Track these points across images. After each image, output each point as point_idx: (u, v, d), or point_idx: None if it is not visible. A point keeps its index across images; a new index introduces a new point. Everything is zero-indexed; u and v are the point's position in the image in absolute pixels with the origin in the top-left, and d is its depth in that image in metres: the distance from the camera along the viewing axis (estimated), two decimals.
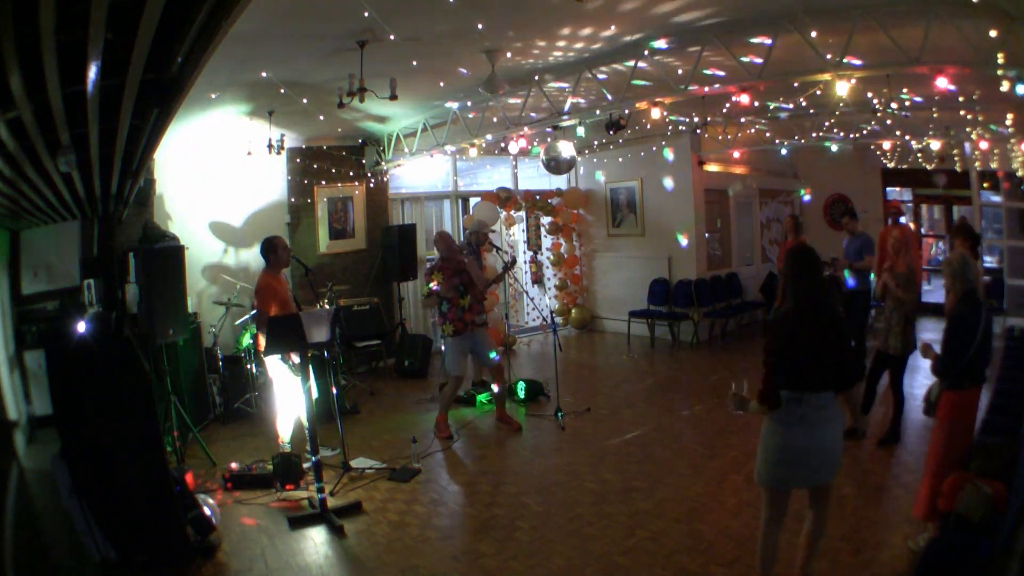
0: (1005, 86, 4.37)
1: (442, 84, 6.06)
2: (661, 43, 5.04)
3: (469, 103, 6.72)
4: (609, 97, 5.75)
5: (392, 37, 4.29)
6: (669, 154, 9.54)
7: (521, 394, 6.78)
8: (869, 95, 6.38)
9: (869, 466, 4.75)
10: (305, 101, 5.81)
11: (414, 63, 5.11)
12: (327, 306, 6.72)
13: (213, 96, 5.49)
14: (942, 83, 4.29)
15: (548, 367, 7.50)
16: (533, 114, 6.64)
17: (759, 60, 4.92)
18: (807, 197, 11.44)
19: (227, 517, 4.34)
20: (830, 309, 2.99)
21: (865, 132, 8.56)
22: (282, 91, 5.50)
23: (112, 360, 3.65)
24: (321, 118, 6.79)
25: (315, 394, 4.68)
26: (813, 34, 4.44)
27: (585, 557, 3.69)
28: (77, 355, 3.57)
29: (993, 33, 4.13)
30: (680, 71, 5.53)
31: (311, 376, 4.56)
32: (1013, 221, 9.32)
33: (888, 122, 7.92)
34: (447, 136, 7.33)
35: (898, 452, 5.00)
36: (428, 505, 4.53)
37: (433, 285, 5.75)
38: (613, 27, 4.81)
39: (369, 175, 8.81)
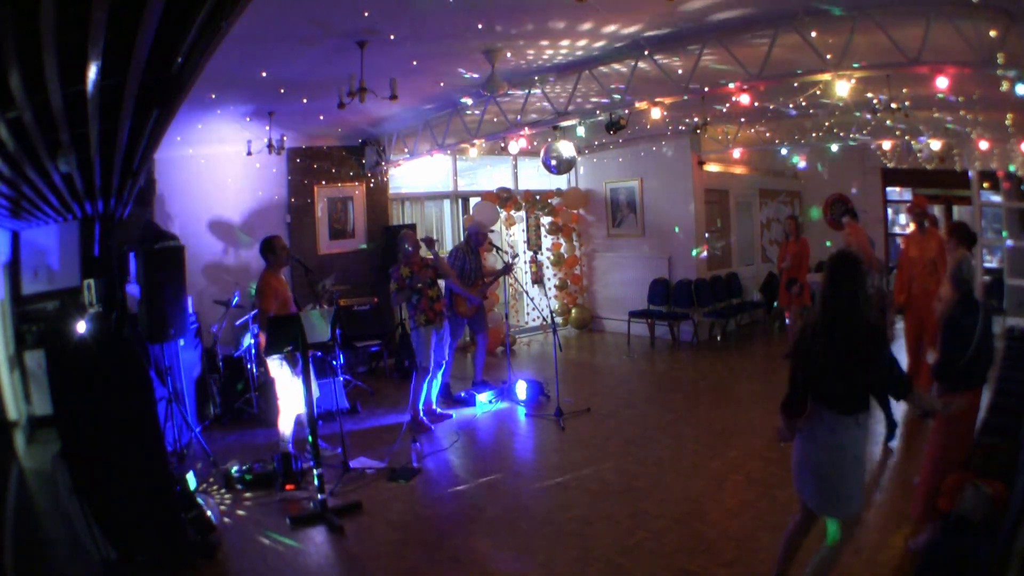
0: (1005, 86, 4.37)
1: (442, 84, 6.05)
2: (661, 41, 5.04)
3: (469, 103, 6.71)
4: (610, 96, 5.75)
5: (392, 37, 4.29)
6: (669, 154, 9.54)
7: (521, 394, 6.78)
8: (869, 95, 6.37)
9: (867, 467, 4.75)
10: (305, 101, 5.80)
11: (414, 63, 5.10)
12: (327, 307, 6.72)
13: (213, 96, 5.48)
14: (942, 83, 4.29)
15: (548, 367, 7.50)
16: (533, 115, 6.63)
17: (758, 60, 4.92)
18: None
19: (227, 517, 4.34)
20: (863, 326, 2.66)
21: (865, 132, 8.56)
22: (282, 91, 5.50)
23: (112, 360, 3.66)
24: (321, 118, 6.79)
25: (316, 393, 4.68)
26: (813, 34, 4.44)
27: (585, 557, 3.69)
28: (77, 355, 3.57)
29: (993, 33, 4.13)
30: (680, 71, 5.52)
31: (312, 376, 4.56)
32: (1013, 221, 9.32)
33: (888, 122, 7.91)
34: (447, 136, 7.32)
35: (897, 452, 5.01)
36: (428, 505, 4.53)
37: (405, 275, 5.84)
38: (613, 26, 4.80)
39: (369, 175, 8.81)
